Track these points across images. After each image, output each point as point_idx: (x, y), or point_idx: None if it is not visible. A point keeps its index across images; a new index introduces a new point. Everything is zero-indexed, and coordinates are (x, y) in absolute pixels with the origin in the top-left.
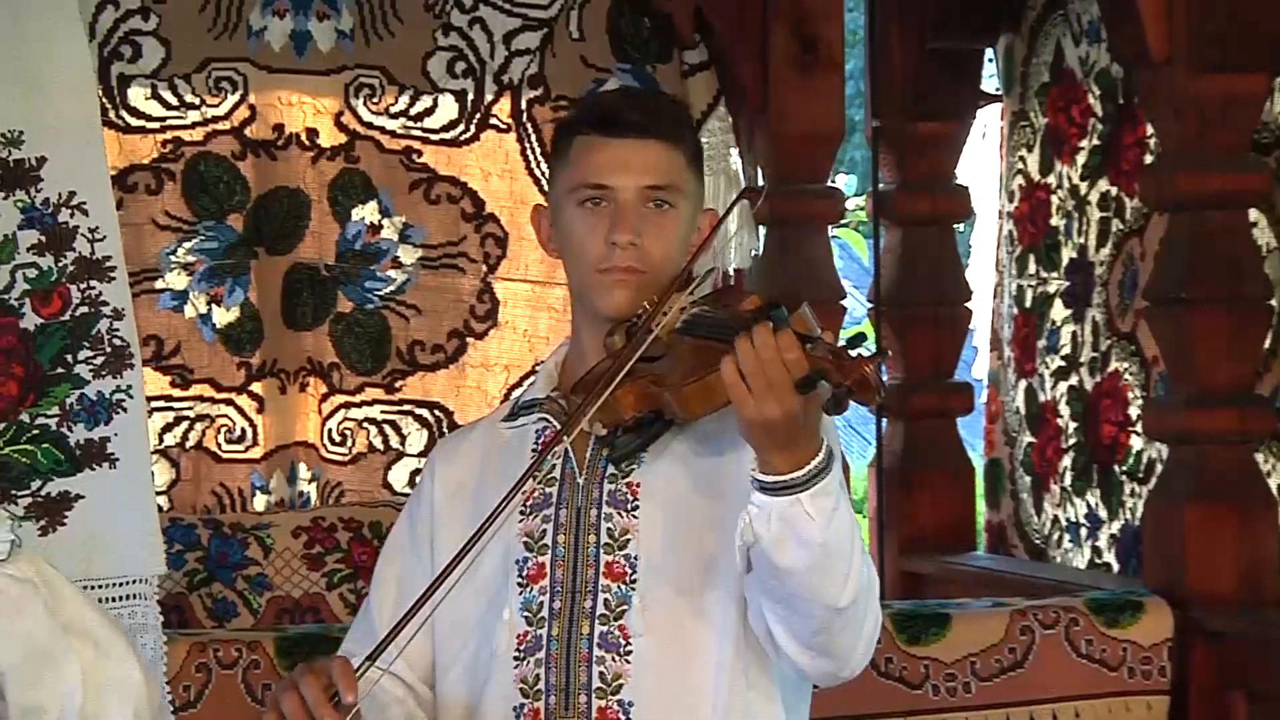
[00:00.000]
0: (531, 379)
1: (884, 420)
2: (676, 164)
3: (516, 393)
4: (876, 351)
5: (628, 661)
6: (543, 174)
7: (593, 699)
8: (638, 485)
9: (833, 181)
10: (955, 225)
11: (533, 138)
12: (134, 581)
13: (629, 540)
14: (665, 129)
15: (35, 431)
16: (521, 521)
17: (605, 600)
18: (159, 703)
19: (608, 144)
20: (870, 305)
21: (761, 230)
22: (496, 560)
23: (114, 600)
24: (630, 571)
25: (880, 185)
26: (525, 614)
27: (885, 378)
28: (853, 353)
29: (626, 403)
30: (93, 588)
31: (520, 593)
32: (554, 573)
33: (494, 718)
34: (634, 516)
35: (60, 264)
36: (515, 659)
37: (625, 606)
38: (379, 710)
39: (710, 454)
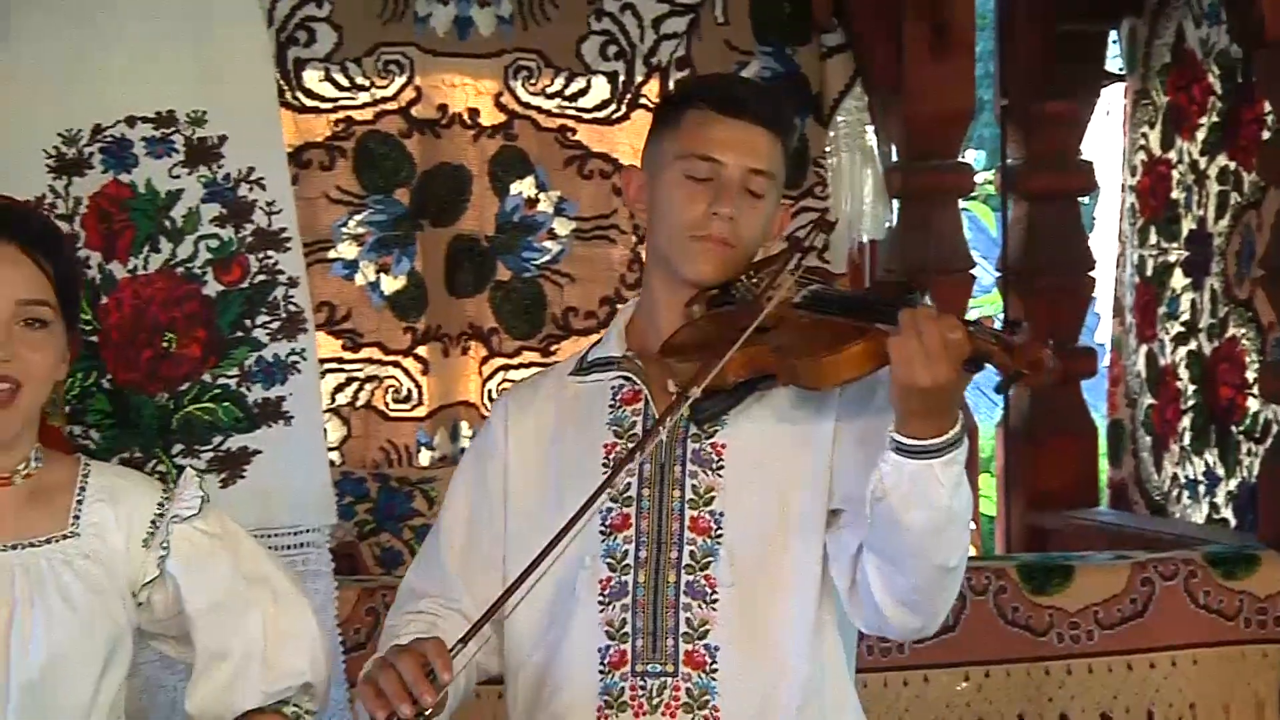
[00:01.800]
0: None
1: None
2: (779, 155)
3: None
4: (1016, 324)
5: (714, 609)
6: None
7: (679, 643)
8: (723, 446)
9: (962, 157)
10: (1080, 198)
11: None
12: (307, 531)
13: (714, 497)
14: (780, 121)
15: (217, 391)
16: (605, 474)
17: (691, 552)
18: (331, 648)
19: (725, 122)
20: (998, 274)
21: (895, 203)
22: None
23: (289, 548)
24: (715, 526)
25: (1008, 161)
26: (608, 560)
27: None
28: (1017, 337)
29: (731, 369)
30: (269, 536)
31: (603, 540)
32: (639, 523)
33: (577, 656)
34: (719, 475)
35: (240, 235)
36: (600, 603)
37: (711, 558)
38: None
39: (791, 415)
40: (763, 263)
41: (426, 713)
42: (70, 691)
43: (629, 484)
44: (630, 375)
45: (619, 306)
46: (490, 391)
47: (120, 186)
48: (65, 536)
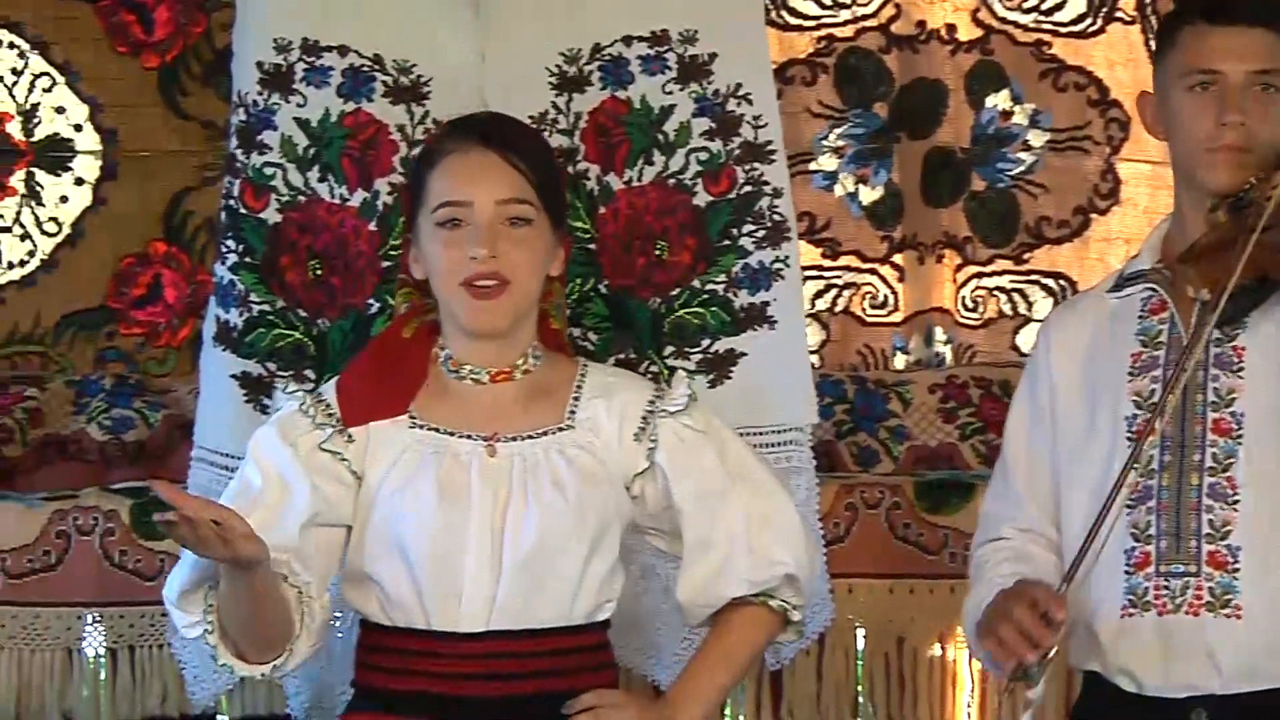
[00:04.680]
0: (1137, 253)
1: None
2: (1278, 50)
3: (1122, 265)
4: None
5: (1235, 510)
6: None
7: (1202, 544)
8: (1243, 348)
9: None
10: None
11: (1155, 29)
12: (790, 430)
13: (1235, 399)
14: (1271, 17)
15: (705, 296)
16: (1130, 382)
17: (1213, 454)
18: (815, 544)
19: (1218, 31)
20: None
21: None
22: (1108, 418)
23: (772, 446)
24: (1236, 428)
25: None
26: (1135, 465)
27: None
28: None
29: (1241, 270)
30: (754, 434)
31: (1129, 447)
32: (1163, 428)
33: (1104, 557)
34: (1239, 377)
35: (728, 148)
36: (1127, 507)
37: (1233, 460)
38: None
39: None
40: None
41: (1048, 655)
42: (557, 572)
43: (1152, 390)
44: (1157, 286)
45: (1093, 216)
46: (964, 298)
47: (617, 103)
48: (561, 429)
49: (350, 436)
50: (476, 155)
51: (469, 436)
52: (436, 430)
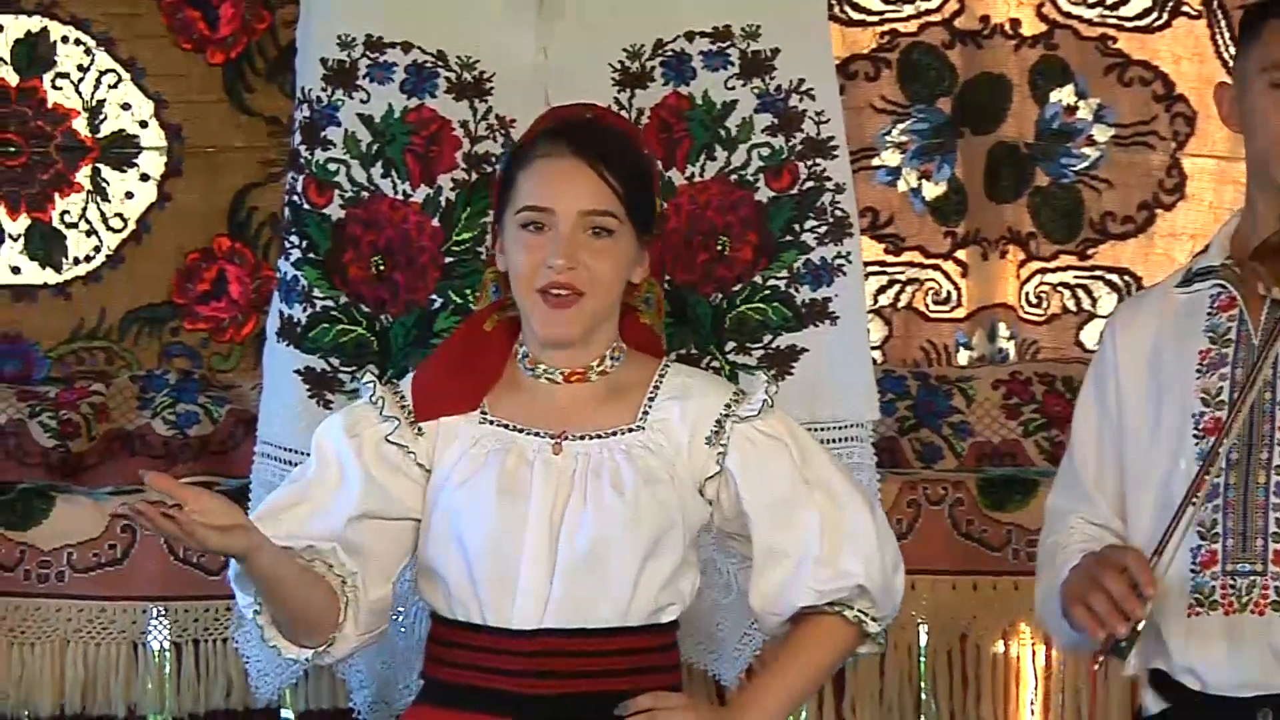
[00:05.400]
0: (1204, 248)
1: None
2: None
3: (1189, 260)
4: None
5: None
6: (1231, 57)
7: (1269, 542)
8: None
9: None
10: None
11: (1222, 23)
12: (851, 426)
13: None
14: None
15: (767, 291)
16: (1198, 379)
17: None
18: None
19: None
20: None
21: None
22: (1174, 414)
23: (833, 442)
24: None
25: None
26: (1201, 463)
27: None
28: None
29: None
30: (815, 430)
31: (1196, 444)
32: (1230, 426)
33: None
34: None
35: (790, 143)
36: (1193, 505)
37: None
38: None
39: None
40: None
41: (1137, 629)
42: (612, 572)
43: (1220, 388)
44: (1226, 282)
45: (1158, 212)
46: (1028, 294)
47: (679, 98)
48: (631, 429)
49: (420, 430)
50: (566, 162)
51: (537, 434)
52: (506, 426)
